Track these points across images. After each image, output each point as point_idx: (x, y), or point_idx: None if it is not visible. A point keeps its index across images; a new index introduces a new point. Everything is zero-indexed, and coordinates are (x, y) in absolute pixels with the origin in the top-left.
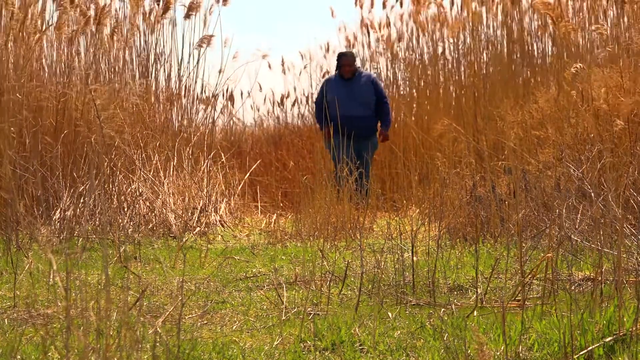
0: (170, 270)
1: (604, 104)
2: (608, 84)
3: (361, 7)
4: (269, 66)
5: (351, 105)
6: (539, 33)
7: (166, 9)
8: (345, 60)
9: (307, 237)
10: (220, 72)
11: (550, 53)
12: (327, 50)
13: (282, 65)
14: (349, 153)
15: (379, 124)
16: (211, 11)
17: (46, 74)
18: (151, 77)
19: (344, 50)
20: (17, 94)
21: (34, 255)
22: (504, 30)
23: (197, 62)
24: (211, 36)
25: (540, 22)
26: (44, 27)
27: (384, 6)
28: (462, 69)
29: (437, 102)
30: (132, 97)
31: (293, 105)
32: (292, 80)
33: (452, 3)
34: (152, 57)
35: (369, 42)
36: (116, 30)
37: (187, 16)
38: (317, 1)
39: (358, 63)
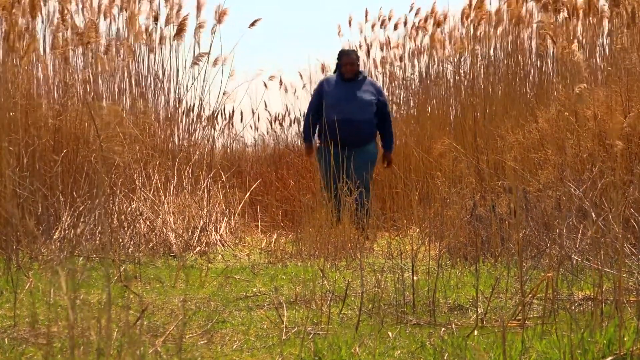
0: (170, 289)
1: (593, 122)
2: (605, 104)
3: (373, 27)
4: (265, 85)
5: (351, 108)
6: (540, 53)
7: (180, 30)
8: (347, 58)
9: (308, 257)
10: (220, 91)
11: (550, 73)
12: (325, 70)
13: (280, 84)
14: (338, 176)
15: (378, 137)
16: (213, 30)
17: (43, 93)
18: (151, 96)
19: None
20: (12, 112)
21: (35, 274)
22: (504, 49)
23: (204, 81)
24: (205, 54)
25: (540, 42)
26: (40, 47)
27: (374, 25)
28: (463, 88)
29: (438, 122)
30: (133, 117)
31: (292, 124)
32: (292, 100)
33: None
34: (151, 76)
35: (369, 62)
36: (115, 49)
37: (179, 36)
38: (320, 22)
39: (361, 66)
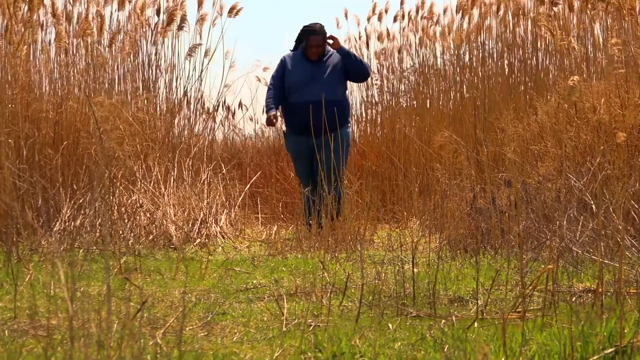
0: (171, 281)
1: (594, 114)
2: (606, 96)
3: (369, 20)
4: (259, 79)
5: (314, 89)
6: (539, 45)
7: (170, 21)
8: (314, 39)
9: (308, 249)
10: (221, 83)
11: (548, 64)
12: None
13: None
14: (312, 164)
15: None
16: (215, 23)
17: (44, 85)
18: (152, 89)
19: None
20: (12, 104)
21: (35, 266)
22: (504, 41)
23: (201, 74)
24: (199, 45)
25: (539, 34)
26: (41, 39)
27: (372, 17)
28: (462, 80)
29: (438, 114)
30: (134, 109)
31: None
32: None
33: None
34: (152, 69)
35: (369, 53)
36: (117, 41)
37: (180, 28)
38: (321, 14)
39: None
